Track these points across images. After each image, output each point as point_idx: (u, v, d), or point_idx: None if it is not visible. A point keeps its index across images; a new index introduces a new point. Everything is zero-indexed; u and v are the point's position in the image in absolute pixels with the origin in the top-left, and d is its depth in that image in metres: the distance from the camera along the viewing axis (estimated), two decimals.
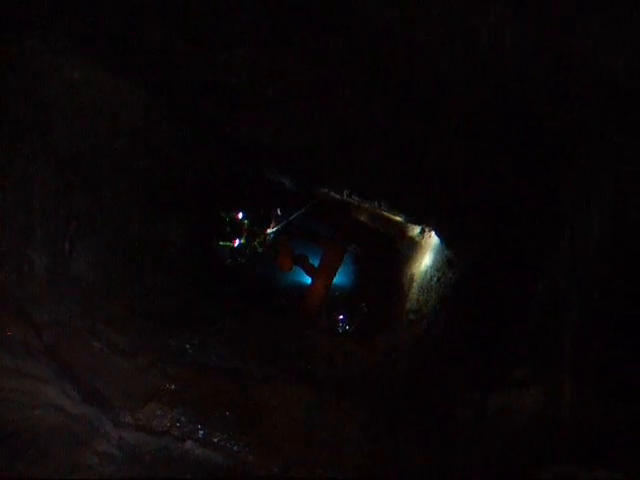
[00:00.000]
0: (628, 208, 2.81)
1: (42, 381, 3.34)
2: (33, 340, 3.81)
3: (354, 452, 4.06)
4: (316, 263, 11.23)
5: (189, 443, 3.66)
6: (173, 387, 4.38)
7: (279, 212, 10.28)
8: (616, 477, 2.32)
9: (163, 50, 3.97)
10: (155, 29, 3.62)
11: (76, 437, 3.07)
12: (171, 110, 5.45)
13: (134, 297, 6.01)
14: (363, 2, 2.77)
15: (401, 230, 8.82)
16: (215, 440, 3.85)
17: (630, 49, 2.41)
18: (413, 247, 8.53)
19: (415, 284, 7.73)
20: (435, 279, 6.94)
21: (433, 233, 7.23)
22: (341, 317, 10.82)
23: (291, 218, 9.92)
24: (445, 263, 6.68)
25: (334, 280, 11.21)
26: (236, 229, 9.98)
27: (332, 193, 7.98)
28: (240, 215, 10.01)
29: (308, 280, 11.67)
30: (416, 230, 8.12)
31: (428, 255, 7.57)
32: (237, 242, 9.98)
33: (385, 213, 7.88)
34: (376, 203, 7.29)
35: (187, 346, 5.60)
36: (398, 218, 7.74)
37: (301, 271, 11.69)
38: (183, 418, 3.95)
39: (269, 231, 10.10)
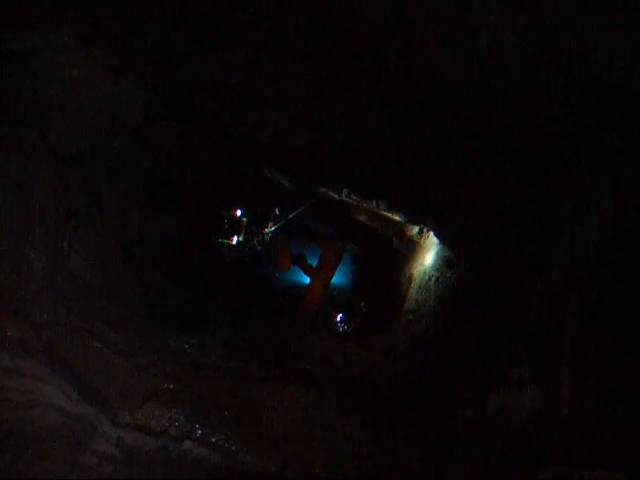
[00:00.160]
0: (627, 211, 2.82)
1: (41, 381, 3.34)
2: (32, 340, 3.80)
3: (353, 452, 4.06)
4: (314, 263, 11.23)
5: (187, 443, 3.66)
6: (172, 387, 4.37)
7: (278, 211, 10.27)
8: (616, 477, 2.32)
9: (163, 50, 3.97)
10: (155, 29, 3.62)
11: (75, 437, 3.06)
12: (171, 109, 5.45)
13: (133, 296, 6.00)
14: (363, 3, 2.77)
15: (400, 230, 8.82)
16: (213, 440, 3.84)
17: (630, 51, 2.41)
18: (412, 247, 8.53)
19: (414, 284, 7.74)
20: (434, 279, 6.94)
21: (432, 233, 7.24)
22: (340, 317, 10.82)
23: (289, 217, 9.91)
24: (444, 263, 6.69)
25: (333, 280, 11.20)
26: (235, 227, 9.98)
27: (331, 193, 7.98)
28: (239, 213, 10.00)
29: (307, 280, 11.66)
30: (415, 230, 8.13)
31: (427, 255, 7.57)
32: (235, 240, 9.98)
33: (384, 213, 7.88)
34: (375, 203, 7.29)
35: (186, 346, 5.60)
36: (397, 218, 7.74)
37: (300, 271, 11.68)
38: (182, 418, 3.95)
39: (267, 230, 10.10)
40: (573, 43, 2.49)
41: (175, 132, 6.02)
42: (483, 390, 3.79)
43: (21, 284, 4.26)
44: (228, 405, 4.35)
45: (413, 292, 7.63)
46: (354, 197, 7.54)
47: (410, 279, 7.99)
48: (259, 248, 10.31)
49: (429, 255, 7.48)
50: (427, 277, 7.26)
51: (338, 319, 10.79)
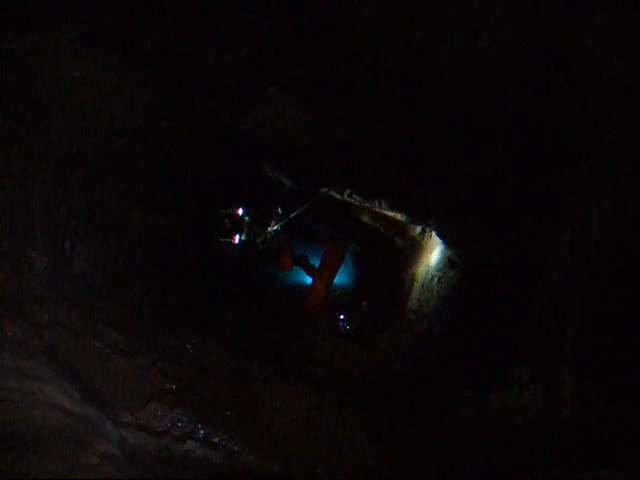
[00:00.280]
0: (628, 209, 2.81)
1: (42, 381, 3.34)
2: (33, 340, 3.81)
3: (355, 452, 4.06)
4: (317, 263, 11.23)
5: (190, 443, 3.66)
6: (174, 387, 4.37)
7: (280, 211, 10.28)
8: (616, 477, 2.31)
9: (163, 50, 3.97)
10: (155, 29, 3.63)
11: (77, 437, 3.06)
12: (171, 110, 5.45)
13: (134, 297, 6.01)
14: (363, 2, 2.77)
15: (402, 230, 8.82)
16: (216, 440, 3.84)
17: (630, 49, 2.41)
18: (414, 247, 8.52)
19: (416, 284, 7.73)
20: (436, 279, 6.94)
21: (434, 233, 7.23)
22: (342, 317, 10.82)
23: (292, 216, 9.91)
24: (446, 263, 6.68)
25: (335, 280, 11.20)
26: (236, 225, 9.98)
27: (333, 192, 7.98)
28: (240, 211, 10.00)
29: (309, 280, 11.67)
30: (417, 230, 8.12)
31: (429, 255, 7.57)
32: (237, 239, 9.99)
33: (386, 213, 7.88)
34: (377, 203, 7.28)
35: (188, 346, 5.60)
36: (399, 218, 7.74)
37: (302, 271, 11.69)
38: (184, 418, 3.95)
39: (270, 229, 10.10)
40: (573, 42, 2.49)
41: (175, 132, 6.03)
42: (484, 390, 3.78)
43: (22, 285, 4.27)
44: (230, 405, 4.35)
45: (415, 292, 7.62)
46: (356, 197, 7.54)
47: (412, 279, 7.99)
48: (261, 247, 10.31)
49: (431, 255, 7.48)
50: (429, 277, 7.26)
51: (340, 319, 10.79)
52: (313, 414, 4.54)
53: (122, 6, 3.36)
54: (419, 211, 6.89)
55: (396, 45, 3.03)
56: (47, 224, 4.63)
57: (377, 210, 8.05)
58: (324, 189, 8.11)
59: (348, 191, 7.45)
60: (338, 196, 7.95)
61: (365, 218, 9.72)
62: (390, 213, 7.76)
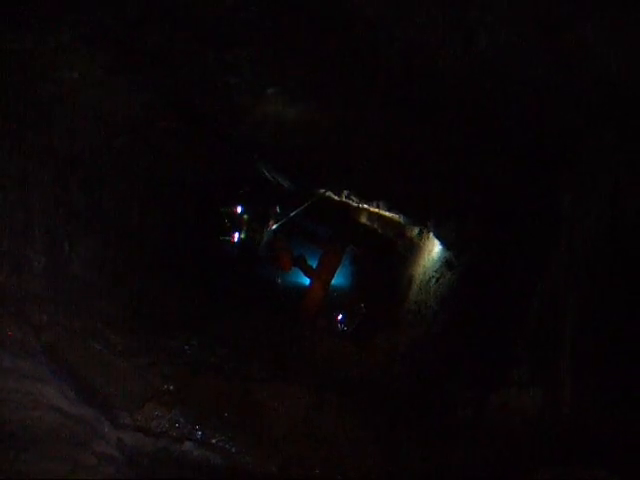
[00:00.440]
0: (626, 210, 2.82)
1: (41, 381, 3.33)
2: (32, 340, 3.80)
3: (354, 452, 4.06)
4: (314, 264, 11.23)
5: (188, 444, 3.65)
6: (172, 388, 4.37)
7: (278, 210, 10.28)
8: (615, 478, 2.32)
9: (163, 50, 3.97)
10: (155, 29, 3.62)
11: (75, 438, 3.05)
12: (171, 109, 5.45)
13: (133, 297, 6.00)
14: (363, 2, 2.77)
15: (400, 231, 8.83)
16: (214, 441, 3.83)
17: (629, 50, 2.41)
18: (412, 248, 8.53)
19: (414, 285, 7.74)
20: (434, 280, 6.94)
21: (432, 234, 7.24)
22: (340, 318, 10.81)
23: (290, 216, 9.92)
24: (444, 264, 6.69)
25: (333, 281, 11.20)
26: (236, 223, 9.99)
27: (331, 194, 7.99)
28: (239, 209, 10.01)
29: (307, 281, 11.66)
30: (415, 231, 8.13)
31: (427, 256, 7.58)
32: (237, 236, 9.99)
33: (384, 214, 7.89)
34: (375, 204, 7.30)
35: (186, 347, 5.59)
36: (397, 219, 7.75)
37: (300, 272, 11.68)
38: (182, 419, 3.94)
39: (268, 229, 10.11)
40: (572, 42, 2.49)
41: (175, 132, 6.03)
42: (483, 391, 3.79)
43: (21, 285, 4.26)
44: (228, 406, 4.34)
45: (413, 293, 7.63)
46: (354, 198, 7.55)
47: (410, 280, 8.00)
48: (259, 249, 10.32)
49: (429, 256, 7.48)
50: (427, 278, 7.26)
51: (338, 320, 10.78)
52: (312, 415, 4.54)
53: (122, 6, 3.36)
54: (417, 212, 6.90)
55: (396, 45, 3.03)
56: (46, 224, 4.63)
57: (375, 211, 8.06)
58: (322, 190, 8.12)
59: (346, 192, 7.46)
60: (336, 197, 7.97)
61: (363, 219, 9.73)
62: (388, 214, 7.78)
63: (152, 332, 5.50)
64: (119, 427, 3.53)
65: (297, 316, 10.25)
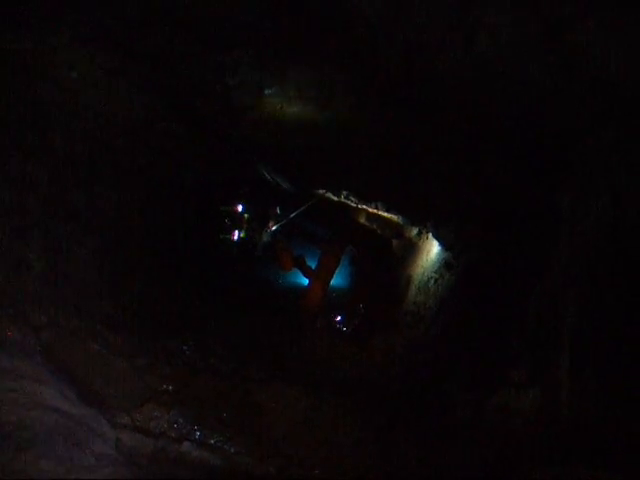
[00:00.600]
0: (626, 210, 2.82)
1: (40, 382, 3.32)
2: (31, 341, 3.80)
3: (353, 453, 4.06)
4: (313, 264, 11.23)
5: (186, 445, 3.64)
6: (171, 388, 4.37)
7: (278, 211, 10.29)
8: (614, 478, 2.32)
9: (163, 50, 3.97)
10: (155, 30, 3.62)
11: (73, 438, 3.05)
12: (171, 110, 5.45)
13: (132, 298, 5.99)
14: (363, 2, 2.77)
15: (399, 231, 8.84)
16: (212, 442, 3.83)
17: (629, 50, 2.42)
18: (411, 249, 8.54)
19: (413, 286, 7.74)
20: (433, 281, 6.95)
21: (431, 235, 7.25)
22: (339, 318, 10.81)
23: (290, 217, 9.92)
24: (443, 265, 6.69)
25: (332, 281, 11.20)
26: (236, 222, 9.98)
27: (330, 194, 7.99)
28: (240, 208, 10.01)
29: (306, 281, 11.66)
30: (414, 231, 8.14)
31: (426, 257, 7.58)
32: (236, 235, 9.99)
33: (383, 214, 7.90)
34: (373, 204, 7.30)
35: (185, 347, 5.59)
36: (396, 219, 7.76)
37: (299, 272, 11.68)
38: (180, 419, 3.94)
39: (269, 230, 10.11)
40: (572, 42, 2.50)
41: (175, 133, 6.03)
42: (482, 391, 3.79)
43: (20, 286, 4.25)
44: (227, 407, 4.34)
45: (412, 293, 7.63)
46: (353, 198, 7.56)
47: (409, 280, 8.00)
48: (258, 251, 10.32)
49: (428, 257, 7.49)
50: (426, 278, 7.26)
51: (337, 320, 10.78)
52: (311, 415, 4.54)
53: (121, 7, 3.36)
54: (416, 213, 6.90)
55: (395, 46, 3.03)
56: (45, 225, 4.62)
57: (374, 212, 8.07)
58: (321, 191, 8.12)
59: (345, 193, 7.46)
60: (335, 198, 7.97)
61: (362, 220, 9.74)
62: (387, 215, 7.78)
63: (151, 332, 5.50)
64: (117, 427, 3.53)
65: (296, 316, 10.24)
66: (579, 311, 2.98)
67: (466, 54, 2.83)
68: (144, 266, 6.75)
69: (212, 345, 6.00)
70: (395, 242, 9.46)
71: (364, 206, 7.90)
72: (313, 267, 11.18)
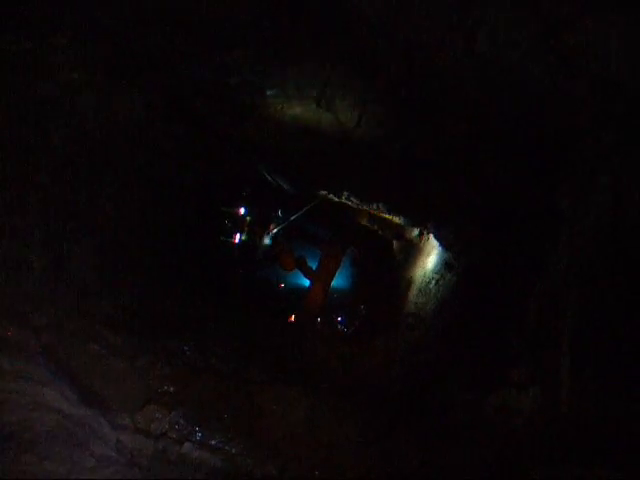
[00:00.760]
0: (626, 211, 2.82)
1: (40, 383, 3.33)
2: (31, 342, 3.79)
3: (353, 453, 4.05)
4: (314, 265, 11.23)
5: (187, 446, 3.65)
6: (171, 389, 4.37)
7: (280, 213, 10.30)
8: (614, 477, 2.32)
9: (163, 51, 3.97)
10: (155, 30, 3.63)
11: (74, 439, 3.05)
12: (171, 110, 5.46)
13: (133, 298, 5.99)
14: (364, 3, 2.78)
15: (400, 232, 8.83)
16: (213, 442, 3.83)
17: (630, 50, 2.42)
18: (412, 249, 8.53)
19: (414, 286, 7.73)
20: (434, 281, 6.94)
21: (432, 235, 7.24)
22: (340, 319, 10.82)
23: (292, 219, 9.94)
24: (444, 265, 6.69)
25: (333, 283, 11.21)
26: (237, 225, 9.99)
27: (331, 195, 7.99)
28: (242, 211, 10.02)
29: (307, 282, 11.66)
30: (415, 232, 8.14)
31: (427, 257, 7.57)
32: (238, 238, 10.00)
33: (384, 215, 7.90)
34: (374, 205, 7.30)
35: (185, 348, 5.58)
36: (397, 220, 7.75)
37: (300, 274, 11.69)
38: (181, 420, 3.94)
39: (270, 233, 10.13)
40: (572, 42, 2.50)
41: (175, 133, 6.03)
42: (483, 391, 3.78)
43: (20, 286, 4.26)
44: (228, 408, 4.34)
45: (413, 294, 7.62)
46: (354, 200, 7.55)
47: (410, 281, 7.99)
48: (259, 253, 10.34)
49: (429, 257, 7.48)
50: (427, 279, 7.26)
51: (338, 322, 10.79)
52: (311, 416, 4.53)
53: (121, 7, 3.37)
54: (417, 214, 6.90)
55: (396, 46, 3.04)
56: (45, 225, 4.62)
57: (375, 213, 8.07)
58: (322, 192, 8.12)
59: (346, 194, 7.46)
60: (336, 199, 7.97)
61: (363, 221, 9.74)
62: (388, 216, 7.78)
63: (152, 333, 5.49)
64: (118, 428, 3.53)
65: (297, 318, 10.25)
66: (579, 311, 2.98)
67: (466, 54, 2.84)
68: (144, 266, 6.75)
69: (213, 346, 6.00)
70: (396, 243, 9.45)
71: (365, 207, 7.89)
72: (314, 268, 11.19)
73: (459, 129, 3.83)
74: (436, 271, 6.99)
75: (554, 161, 3.50)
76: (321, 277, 10.89)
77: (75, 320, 4.57)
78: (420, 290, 7.37)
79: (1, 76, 3.81)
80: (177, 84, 4.69)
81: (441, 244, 6.86)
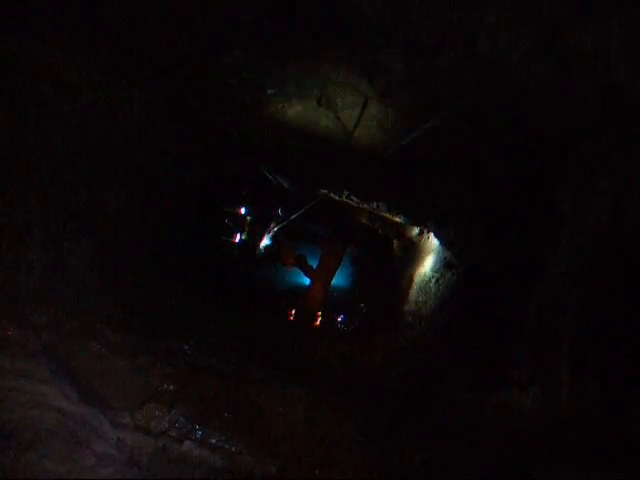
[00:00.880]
0: (626, 212, 2.82)
1: (41, 381, 3.33)
2: (32, 341, 3.80)
3: (353, 453, 4.05)
4: (315, 264, 11.24)
5: (187, 444, 3.65)
6: (172, 387, 4.37)
7: (280, 212, 10.31)
8: (614, 477, 2.32)
9: (163, 50, 3.97)
10: (155, 30, 3.63)
11: (74, 438, 3.06)
12: (171, 110, 5.46)
13: (133, 297, 6.00)
14: (364, 3, 2.77)
15: (400, 231, 8.83)
16: (213, 441, 3.84)
17: (630, 52, 2.41)
18: (412, 248, 8.53)
19: (414, 285, 7.74)
20: (434, 280, 6.95)
21: (432, 234, 7.25)
22: (340, 318, 10.83)
23: (292, 218, 9.94)
24: (444, 264, 6.69)
25: (333, 281, 11.21)
26: (238, 225, 10.00)
27: (331, 194, 7.99)
28: (242, 211, 10.02)
29: (307, 281, 11.67)
30: (415, 231, 8.14)
31: (427, 256, 7.58)
32: (238, 238, 10.01)
33: (384, 214, 7.90)
34: (375, 204, 7.30)
35: (186, 347, 5.59)
36: (397, 219, 7.76)
37: (300, 272, 11.69)
38: (181, 419, 3.94)
39: (270, 231, 10.14)
40: (572, 43, 2.50)
41: (175, 133, 6.03)
42: (483, 391, 3.79)
43: (20, 285, 4.26)
44: (228, 406, 4.34)
45: (413, 293, 7.63)
46: (354, 198, 7.56)
47: (410, 280, 8.00)
48: (261, 250, 10.35)
49: (429, 256, 7.49)
50: (427, 278, 7.26)
51: (338, 320, 10.80)
52: (311, 415, 4.54)
53: (121, 7, 3.36)
54: (417, 213, 6.90)
55: (395, 45, 3.04)
56: (45, 224, 4.63)
57: (375, 211, 8.07)
58: (323, 191, 8.13)
59: (346, 193, 7.47)
60: (337, 197, 7.97)
61: (363, 219, 9.74)
62: (388, 215, 7.78)
63: (152, 332, 5.50)
64: (119, 427, 3.54)
65: (297, 316, 10.26)
66: (579, 311, 2.98)
67: (466, 54, 2.84)
68: (145, 266, 6.76)
69: (213, 345, 6.00)
70: (396, 242, 9.46)
71: (365, 206, 7.90)
72: (314, 267, 11.19)
73: (459, 129, 3.83)
74: (436, 270, 7.00)
75: (554, 161, 3.50)
76: (321, 276, 10.90)
77: (75, 319, 4.58)
78: (420, 289, 7.38)
79: (1, 76, 3.81)
80: (177, 84, 4.69)
81: (441, 243, 6.87)
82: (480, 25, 2.59)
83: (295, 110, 4.60)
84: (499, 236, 4.86)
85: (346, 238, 11.00)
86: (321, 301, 10.78)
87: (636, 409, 2.48)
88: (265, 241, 10.22)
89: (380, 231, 9.60)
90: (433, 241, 7.32)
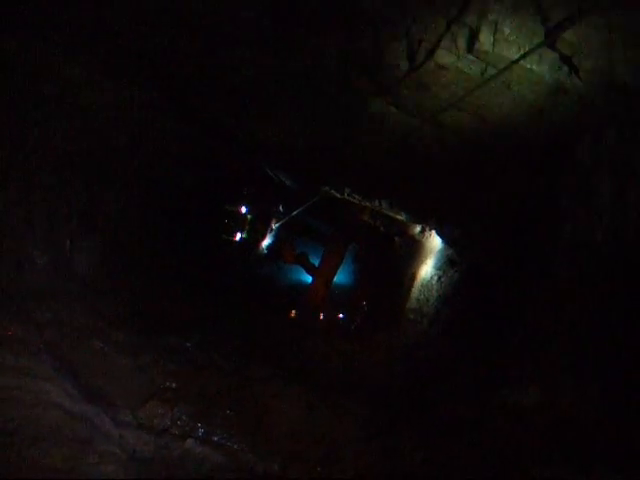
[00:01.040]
0: (628, 210, 2.81)
1: (43, 379, 3.35)
2: (35, 339, 3.82)
3: (354, 450, 4.06)
4: (316, 261, 11.24)
5: (189, 442, 3.66)
6: (174, 385, 4.38)
7: (281, 209, 10.31)
8: (614, 477, 2.32)
9: (164, 50, 3.97)
10: (156, 29, 3.62)
11: (77, 435, 3.07)
12: (172, 109, 5.46)
13: (135, 295, 6.01)
14: (364, 1, 2.77)
15: (402, 229, 8.82)
16: (215, 439, 3.84)
17: (631, 50, 2.41)
18: (414, 246, 8.53)
19: (416, 283, 7.73)
20: (436, 278, 6.94)
21: (434, 232, 7.24)
22: (342, 316, 10.82)
23: (293, 214, 9.94)
24: (446, 262, 6.68)
25: (334, 279, 11.20)
26: (238, 223, 10.01)
27: (333, 191, 7.99)
28: (243, 209, 10.02)
29: (309, 279, 11.67)
30: (417, 229, 8.13)
31: (429, 254, 7.57)
32: (239, 236, 10.02)
33: (386, 212, 7.89)
34: (377, 202, 7.30)
35: (188, 344, 5.60)
36: (399, 217, 7.75)
37: (302, 269, 11.70)
38: (183, 416, 3.95)
39: (272, 229, 10.14)
40: (572, 42, 2.49)
41: (176, 131, 6.03)
42: (484, 390, 3.79)
43: (23, 283, 4.28)
44: (230, 404, 4.35)
45: (415, 291, 7.62)
46: (355, 196, 7.56)
47: (412, 278, 7.99)
48: (261, 249, 10.35)
49: (431, 254, 7.48)
50: (429, 276, 7.26)
51: (340, 318, 10.79)
52: (312, 413, 4.54)
53: (122, 6, 3.36)
54: (419, 210, 6.89)
55: (396, 43, 3.03)
56: (48, 223, 4.64)
57: (377, 209, 8.07)
58: (325, 188, 8.13)
59: (348, 190, 7.46)
60: (338, 195, 7.97)
61: (365, 217, 9.73)
62: (390, 212, 7.78)
63: (154, 330, 5.51)
64: (121, 425, 3.54)
65: (299, 314, 10.26)
66: (579, 311, 2.98)
67: (467, 52, 2.83)
68: (147, 265, 6.77)
69: (214, 343, 6.01)
70: (398, 239, 9.44)
71: (367, 203, 7.90)
72: (316, 264, 11.19)
73: (459, 128, 3.83)
74: (438, 267, 6.99)
75: (557, 161, 3.49)
76: (323, 273, 10.89)
77: (78, 317, 4.60)
78: (422, 286, 7.37)
79: (1, 76, 3.81)
80: (177, 83, 4.68)
81: (444, 241, 6.86)
82: (481, 24, 2.59)
83: (296, 109, 4.59)
84: (501, 234, 4.85)
85: (348, 236, 10.99)
86: (323, 299, 10.78)
87: (636, 410, 2.48)
88: (267, 239, 10.22)
89: (382, 229, 9.59)
90: (435, 239, 7.31)
